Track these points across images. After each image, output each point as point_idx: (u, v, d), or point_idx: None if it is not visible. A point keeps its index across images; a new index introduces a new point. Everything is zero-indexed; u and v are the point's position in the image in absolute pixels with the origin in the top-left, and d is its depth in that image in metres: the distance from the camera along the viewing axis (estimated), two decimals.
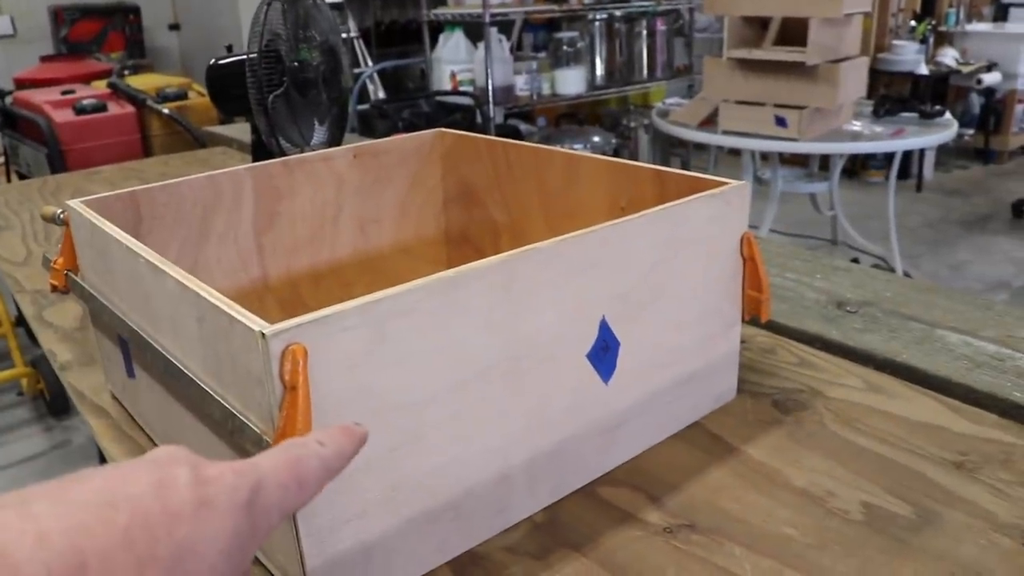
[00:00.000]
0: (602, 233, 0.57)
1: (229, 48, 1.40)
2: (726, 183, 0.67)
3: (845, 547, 0.55)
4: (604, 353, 0.60)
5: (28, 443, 2.49)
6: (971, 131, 5.01)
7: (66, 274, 0.75)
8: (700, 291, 0.66)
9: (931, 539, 0.55)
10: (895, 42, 4.79)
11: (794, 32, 2.58)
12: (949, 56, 4.93)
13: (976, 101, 5.01)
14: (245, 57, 1.16)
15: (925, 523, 0.57)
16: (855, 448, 0.65)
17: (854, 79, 2.70)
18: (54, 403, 2.59)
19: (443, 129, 0.95)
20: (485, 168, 0.91)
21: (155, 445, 0.71)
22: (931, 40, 5.02)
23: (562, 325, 0.56)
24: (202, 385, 0.51)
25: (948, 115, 2.94)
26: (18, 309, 2.42)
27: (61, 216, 0.76)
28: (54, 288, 0.76)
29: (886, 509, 0.58)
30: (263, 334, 0.42)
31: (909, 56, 4.71)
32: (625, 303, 0.60)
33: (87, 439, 2.47)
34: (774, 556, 0.54)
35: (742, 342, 0.73)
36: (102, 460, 2.29)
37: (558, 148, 0.83)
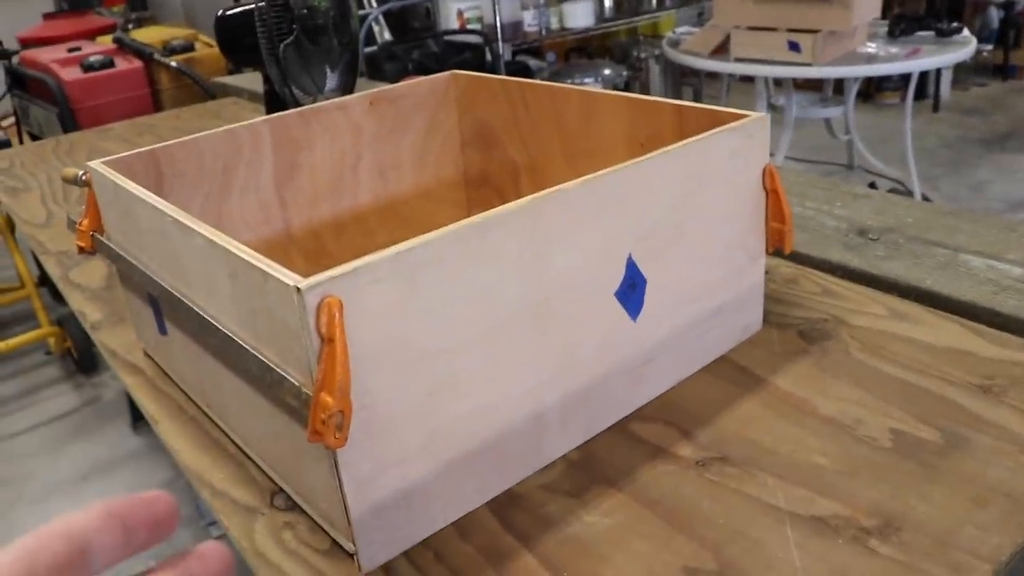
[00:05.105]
0: (625, 172, 0.57)
1: None
2: (746, 115, 0.66)
3: (875, 473, 0.56)
4: (631, 291, 0.60)
5: (60, 400, 2.54)
6: (990, 47, 4.89)
7: (92, 235, 0.75)
8: (724, 225, 0.66)
9: (960, 463, 0.56)
10: None
11: None
12: None
13: (995, 15, 4.88)
14: (254, 7, 1.15)
15: (953, 447, 0.57)
16: (881, 375, 0.66)
17: (868, 0, 2.64)
18: (82, 360, 2.62)
19: (457, 71, 0.94)
20: (502, 109, 0.90)
21: (190, 400, 0.72)
22: None
23: (589, 265, 0.57)
24: (237, 340, 0.52)
25: (966, 32, 2.88)
26: (40, 269, 2.46)
27: (83, 177, 0.76)
28: (81, 250, 0.76)
29: (914, 435, 0.59)
30: (299, 288, 0.43)
31: None
32: (650, 240, 0.60)
33: (117, 395, 2.51)
34: (806, 485, 0.55)
35: (765, 273, 0.73)
36: (134, 416, 2.34)
37: (574, 86, 0.83)
